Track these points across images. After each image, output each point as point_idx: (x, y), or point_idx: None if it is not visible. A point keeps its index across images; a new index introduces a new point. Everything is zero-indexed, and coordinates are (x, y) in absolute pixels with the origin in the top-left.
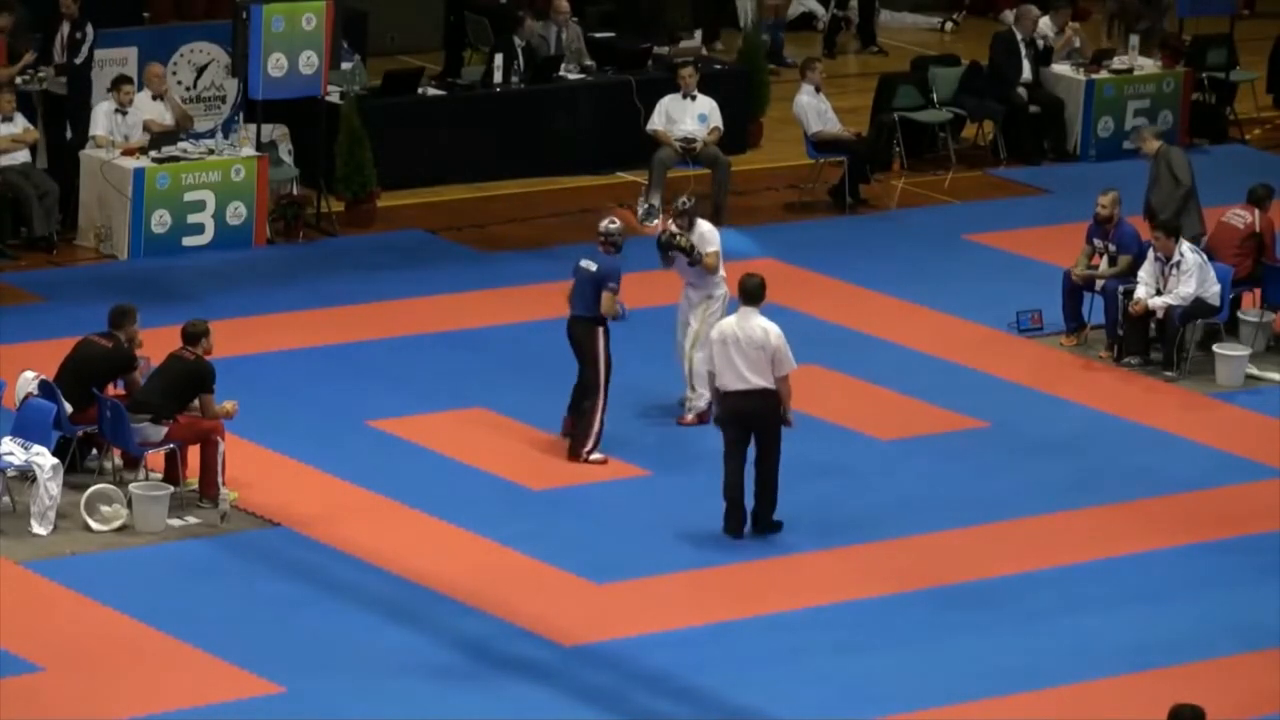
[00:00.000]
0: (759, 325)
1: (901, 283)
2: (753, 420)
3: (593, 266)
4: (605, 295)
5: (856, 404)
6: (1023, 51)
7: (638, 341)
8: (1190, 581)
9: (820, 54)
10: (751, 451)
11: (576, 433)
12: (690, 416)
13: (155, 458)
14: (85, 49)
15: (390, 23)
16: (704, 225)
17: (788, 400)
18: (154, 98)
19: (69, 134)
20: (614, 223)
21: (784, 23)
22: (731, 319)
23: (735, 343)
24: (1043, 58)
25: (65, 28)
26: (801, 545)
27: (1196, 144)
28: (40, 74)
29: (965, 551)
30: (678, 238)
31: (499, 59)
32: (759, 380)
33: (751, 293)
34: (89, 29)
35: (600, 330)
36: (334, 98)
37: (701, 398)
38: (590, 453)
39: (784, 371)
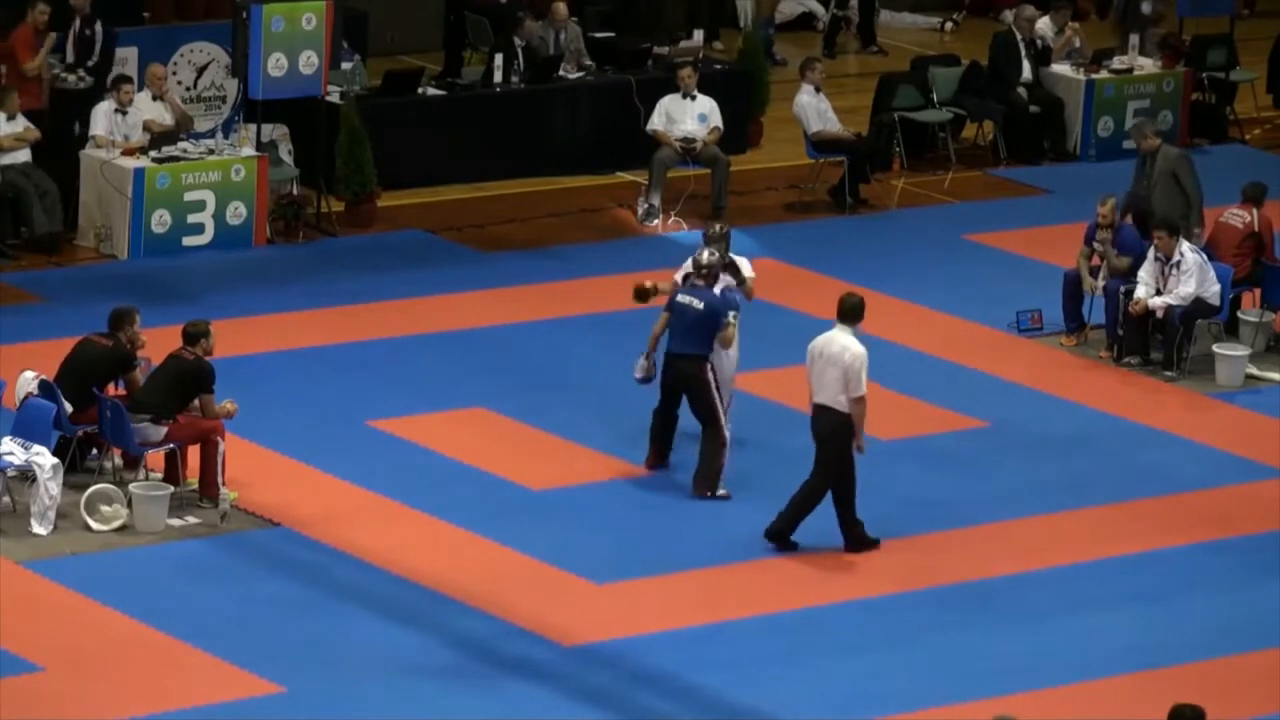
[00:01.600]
0: (840, 343)
1: (901, 283)
2: (816, 438)
3: (699, 304)
4: (728, 329)
5: None
6: (1022, 51)
7: (637, 341)
8: (1190, 581)
9: (820, 54)
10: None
11: (701, 471)
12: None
13: (155, 458)
14: (98, 47)
15: (390, 23)
16: (738, 257)
17: (860, 424)
18: (154, 98)
19: (77, 130)
20: (713, 254)
21: (772, 21)
22: (822, 336)
23: (819, 359)
24: (1042, 58)
25: (76, 24)
26: (802, 545)
27: (1196, 144)
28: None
29: (965, 551)
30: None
31: (499, 59)
32: (824, 398)
33: (847, 311)
34: (98, 27)
35: (710, 368)
36: (334, 98)
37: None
38: (716, 490)
39: (855, 394)
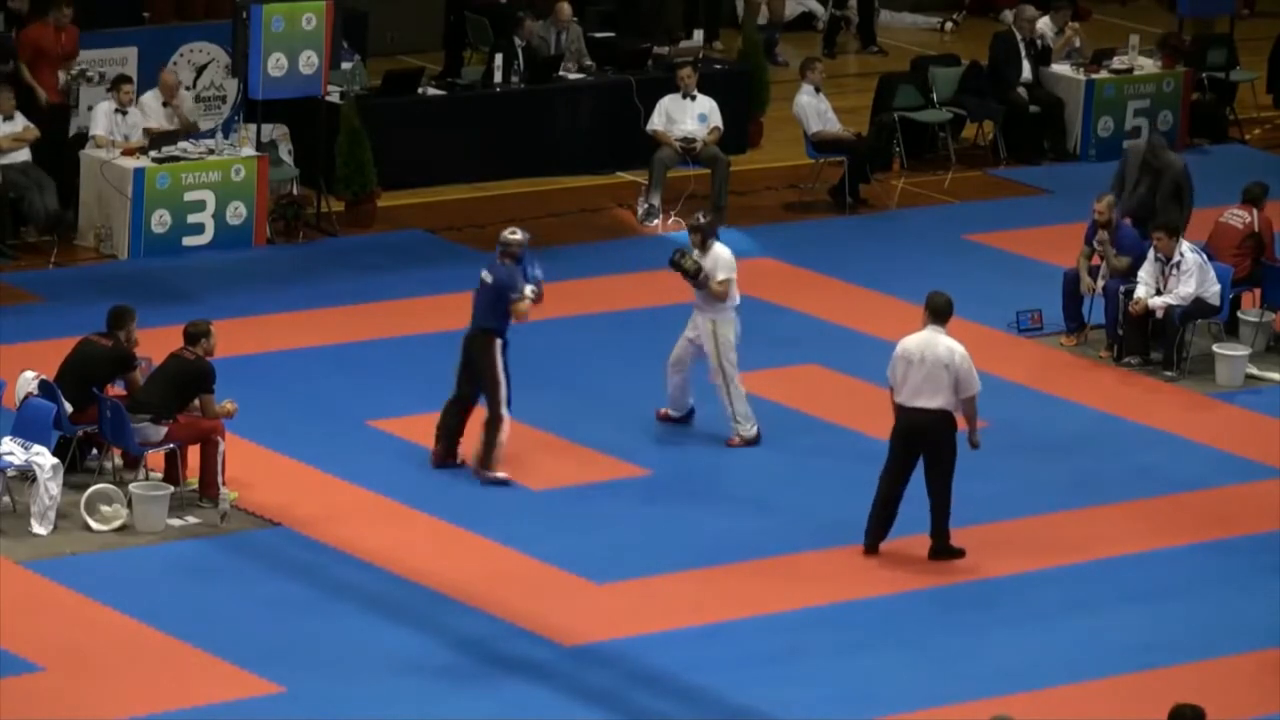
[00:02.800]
0: (945, 344)
1: (901, 283)
2: (921, 440)
3: (489, 278)
4: (518, 303)
5: (856, 404)
6: (1022, 51)
7: (638, 342)
8: (1190, 581)
9: (820, 54)
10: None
11: (478, 451)
12: (737, 440)
13: (155, 458)
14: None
15: (390, 23)
16: (721, 251)
17: (974, 421)
18: (164, 104)
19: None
20: (514, 233)
21: (780, 24)
22: (917, 336)
23: (919, 361)
24: (1042, 58)
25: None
26: (801, 545)
27: (1196, 144)
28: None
29: (965, 551)
30: (684, 259)
31: (499, 59)
32: (933, 400)
33: (940, 310)
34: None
35: (498, 344)
36: (334, 98)
37: (749, 427)
38: (493, 472)
39: (969, 392)
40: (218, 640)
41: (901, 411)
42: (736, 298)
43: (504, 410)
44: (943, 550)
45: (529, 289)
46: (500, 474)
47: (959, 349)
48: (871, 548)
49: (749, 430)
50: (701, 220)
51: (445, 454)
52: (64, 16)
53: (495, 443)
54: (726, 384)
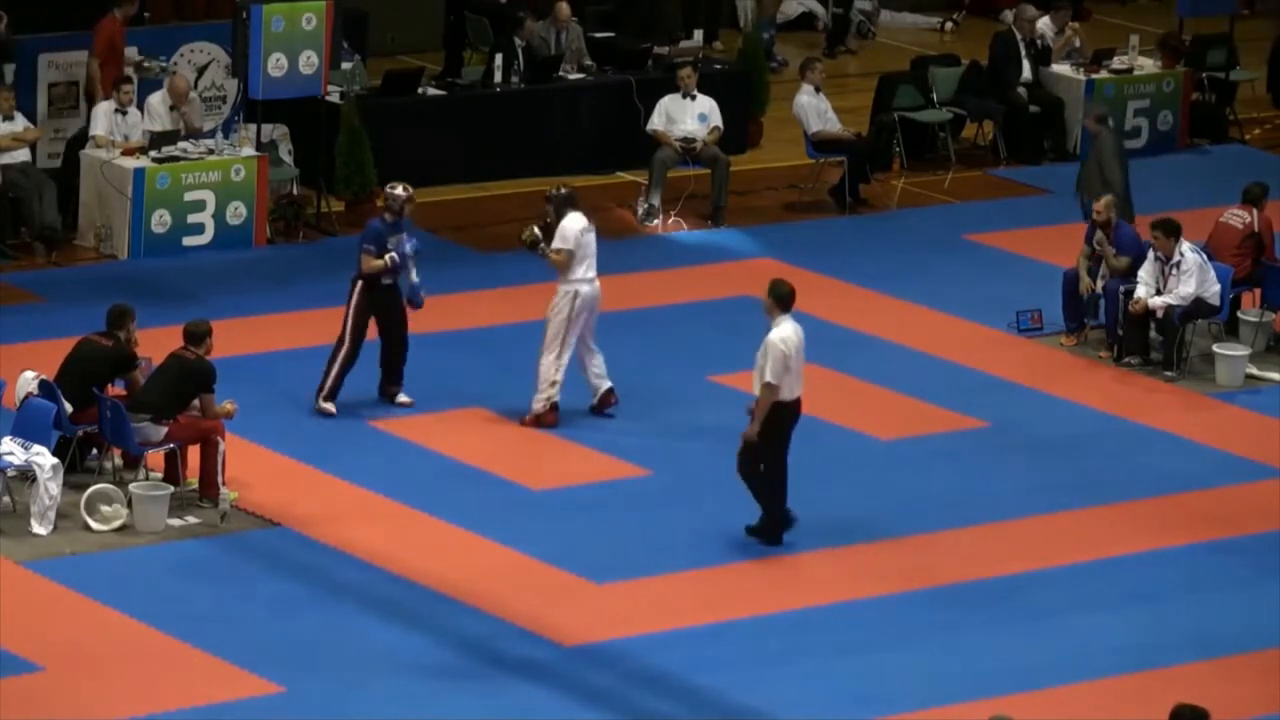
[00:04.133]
0: (801, 332)
1: (901, 283)
2: (793, 427)
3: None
4: (362, 256)
5: (856, 404)
6: (1022, 51)
7: (638, 342)
8: (1190, 581)
9: (820, 54)
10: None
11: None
12: (529, 418)
13: (155, 458)
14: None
15: (390, 23)
16: (567, 223)
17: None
18: (172, 107)
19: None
20: (395, 187)
21: (774, 23)
22: (789, 328)
23: (800, 351)
24: (1042, 58)
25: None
26: (801, 545)
27: (1196, 144)
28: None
29: (965, 551)
30: (524, 231)
31: (499, 59)
32: (800, 390)
33: (788, 299)
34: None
35: (354, 288)
36: (334, 98)
37: (539, 402)
38: (320, 401)
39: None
40: (218, 640)
41: (795, 404)
42: (582, 275)
43: (346, 348)
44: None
45: (390, 256)
46: (327, 406)
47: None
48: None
49: (538, 405)
50: (555, 192)
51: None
52: (131, 8)
53: (333, 375)
54: (541, 351)
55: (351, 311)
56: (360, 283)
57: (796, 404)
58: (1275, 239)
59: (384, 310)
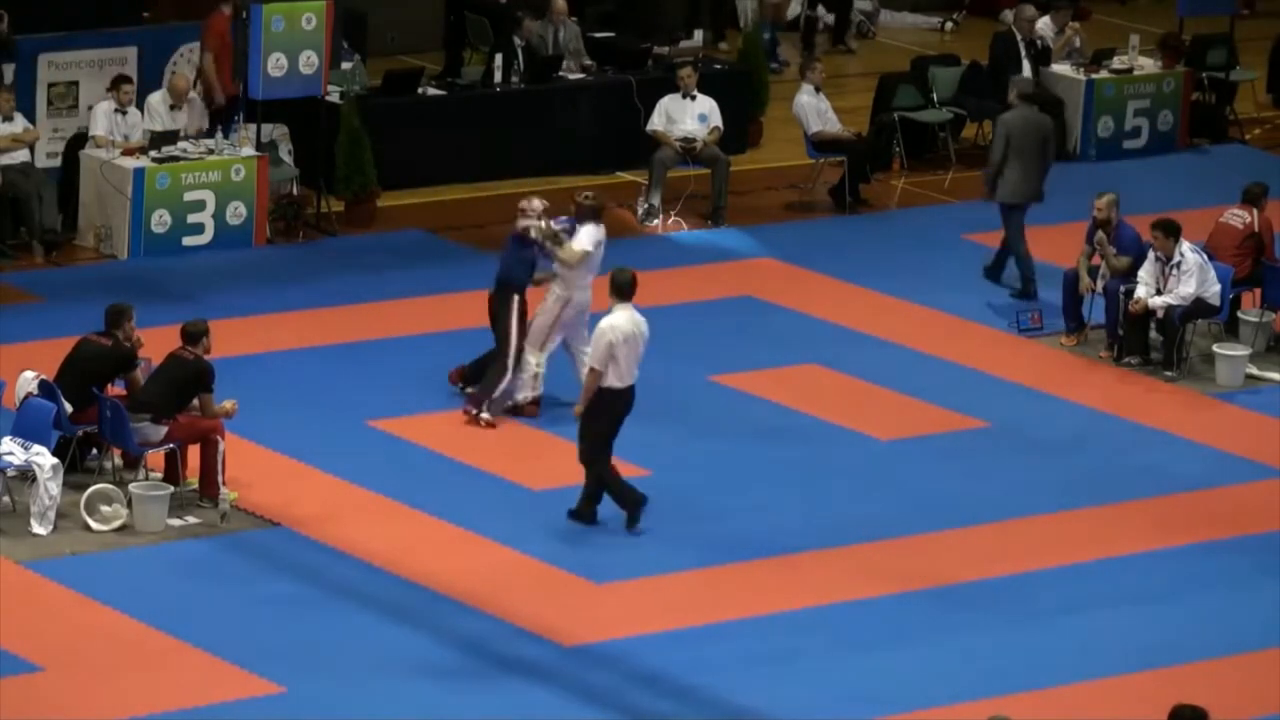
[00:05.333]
0: (641, 320)
1: (901, 283)
2: (626, 414)
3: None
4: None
5: (856, 404)
6: (1022, 51)
7: None
8: (1190, 581)
9: (820, 53)
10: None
11: (478, 389)
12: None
13: (155, 457)
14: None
15: (390, 23)
16: (595, 231)
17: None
18: (172, 107)
19: None
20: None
21: (781, 24)
22: (621, 317)
23: (633, 340)
24: (1042, 58)
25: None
26: (801, 545)
27: (1196, 144)
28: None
29: (965, 551)
30: (542, 225)
31: (499, 59)
32: (635, 375)
33: (628, 287)
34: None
35: (515, 299)
36: (334, 98)
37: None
38: (482, 411)
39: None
40: (218, 640)
41: (624, 392)
42: (581, 283)
43: (510, 361)
44: (589, 515)
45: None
46: (485, 417)
47: (644, 321)
48: (593, 516)
49: (519, 397)
50: (586, 200)
51: (460, 377)
52: (242, 2)
53: (492, 390)
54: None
55: (516, 322)
56: (517, 295)
57: (627, 392)
58: (1275, 239)
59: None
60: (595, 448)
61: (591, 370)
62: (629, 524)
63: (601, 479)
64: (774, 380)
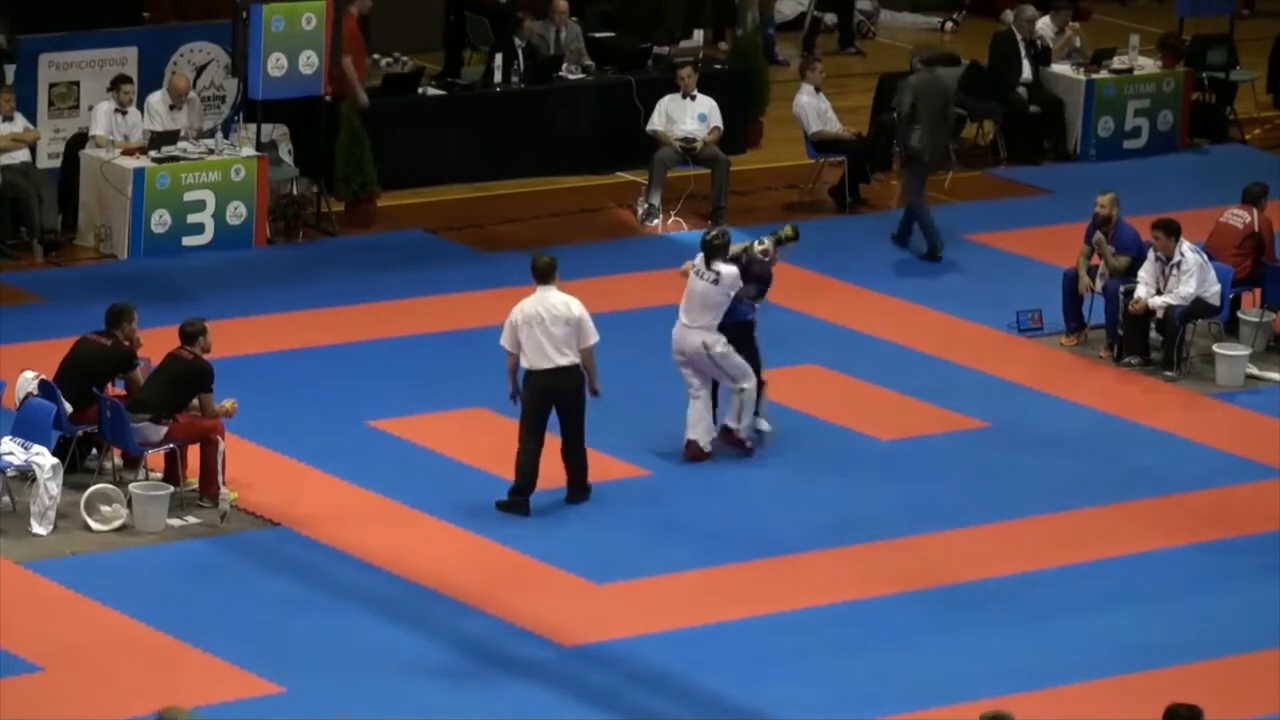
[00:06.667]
0: (560, 300)
1: (901, 283)
2: (559, 396)
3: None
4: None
5: (856, 404)
6: (1022, 51)
7: (638, 342)
8: (1190, 581)
9: (820, 54)
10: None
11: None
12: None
13: (155, 457)
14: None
15: (390, 23)
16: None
17: (594, 370)
18: (172, 107)
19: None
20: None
21: (772, 21)
22: (530, 299)
23: (540, 321)
24: (1042, 58)
25: None
26: (801, 545)
27: (1196, 144)
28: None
29: (965, 551)
30: (786, 229)
31: (499, 59)
32: (567, 357)
33: (544, 271)
34: None
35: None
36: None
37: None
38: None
39: (590, 342)
40: (218, 640)
41: (536, 375)
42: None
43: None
44: (583, 492)
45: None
46: (763, 425)
47: (575, 301)
48: (523, 511)
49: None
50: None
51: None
52: (366, 3)
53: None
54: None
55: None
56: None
57: (546, 375)
58: (1275, 239)
59: None
60: (521, 427)
61: (594, 345)
62: (497, 504)
63: (527, 459)
64: (774, 380)
